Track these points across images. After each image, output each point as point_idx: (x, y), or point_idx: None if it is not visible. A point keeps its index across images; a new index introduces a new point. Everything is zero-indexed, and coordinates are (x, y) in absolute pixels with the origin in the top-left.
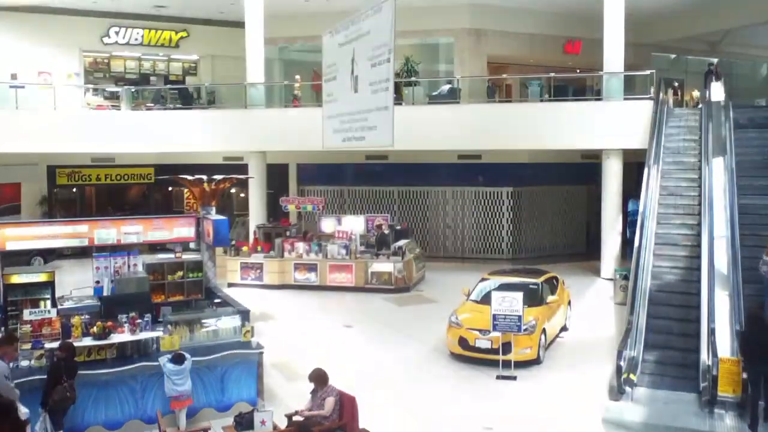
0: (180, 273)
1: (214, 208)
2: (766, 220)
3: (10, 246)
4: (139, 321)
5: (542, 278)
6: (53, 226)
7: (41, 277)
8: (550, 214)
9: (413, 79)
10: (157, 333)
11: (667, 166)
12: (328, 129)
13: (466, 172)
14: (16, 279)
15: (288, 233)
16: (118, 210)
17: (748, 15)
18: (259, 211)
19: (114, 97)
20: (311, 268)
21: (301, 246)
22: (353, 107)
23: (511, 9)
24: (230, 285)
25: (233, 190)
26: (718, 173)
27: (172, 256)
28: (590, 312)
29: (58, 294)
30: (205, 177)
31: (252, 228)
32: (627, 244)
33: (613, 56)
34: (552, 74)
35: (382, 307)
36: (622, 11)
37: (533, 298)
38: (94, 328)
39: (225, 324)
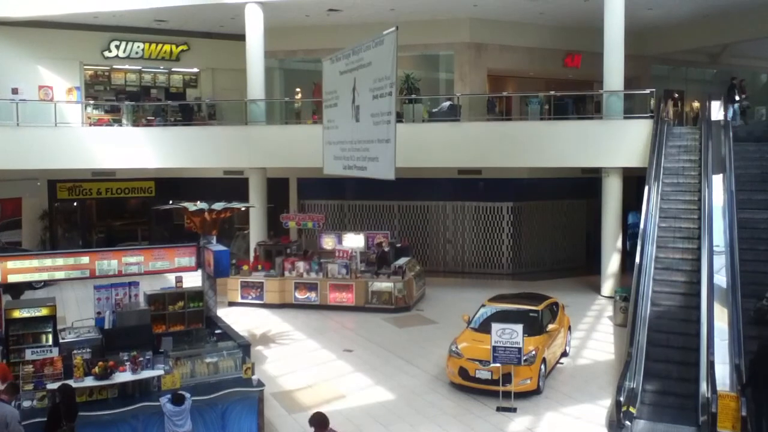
0: (181, 303)
1: (214, 238)
2: (764, 234)
3: (12, 278)
4: (141, 359)
5: (542, 305)
6: (55, 258)
7: (43, 312)
8: (550, 229)
9: (414, 96)
10: (159, 372)
11: (666, 187)
12: (328, 155)
13: (466, 187)
14: (18, 314)
15: (288, 251)
16: (119, 219)
17: (747, 31)
18: (260, 226)
19: (115, 110)
20: (311, 287)
21: (301, 265)
22: (354, 136)
23: (511, 23)
24: (231, 304)
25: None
26: (718, 194)
27: (173, 285)
28: (590, 334)
29: (59, 318)
30: (206, 206)
31: (252, 243)
32: (627, 256)
33: (613, 75)
34: (552, 92)
35: (383, 329)
36: (621, 31)
37: (533, 327)
38: (96, 368)
39: (226, 361)
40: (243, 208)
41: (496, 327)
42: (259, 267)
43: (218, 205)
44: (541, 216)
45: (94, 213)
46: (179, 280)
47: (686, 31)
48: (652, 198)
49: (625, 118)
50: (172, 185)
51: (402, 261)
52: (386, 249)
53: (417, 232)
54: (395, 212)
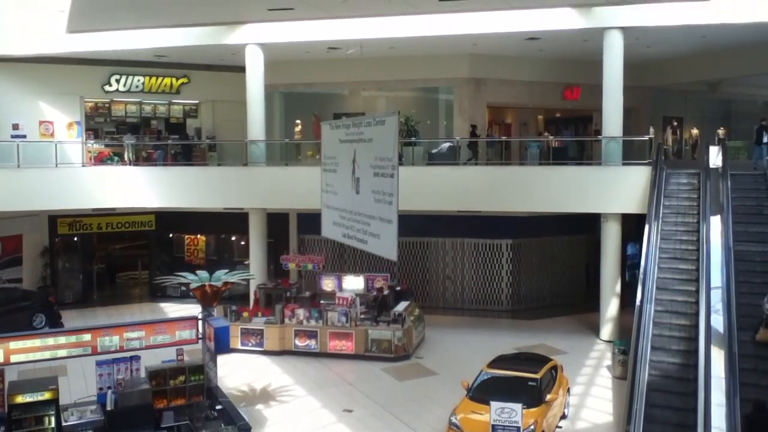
0: (182, 378)
1: (215, 309)
2: (760, 267)
3: (15, 359)
4: None
5: (541, 372)
6: (57, 337)
7: (45, 396)
8: (549, 265)
9: (413, 139)
10: None
11: (665, 243)
12: (327, 218)
13: (466, 224)
14: (21, 399)
15: (288, 294)
16: (119, 242)
17: (743, 67)
18: (260, 263)
19: (115, 144)
20: (311, 334)
21: (301, 312)
22: (354, 207)
23: (510, 58)
24: (231, 350)
25: (233, 238)
26: (716, 256)
27: (174, 360)
28: (589, 389)
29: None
30: (207, 278)
31: (252, 284)
32: (626, 287)
33: (612, 121)
34: (551, 137)
35: (382, 382)
36: (620, 77)
37: (532, 397)
38: None
39: None
40: (243, 281)
41: (495, 406)
42: (259, 314)
43: (218, 276)
44: (541, 252)
45: (95, 239)
46: (180, 353)
47: (685, 65)
48: (651, 253)
49: (624, 164)
50: (173, 219)
51: (401, 307)
52: (386, 293)
53: (416, 268)
54: None
